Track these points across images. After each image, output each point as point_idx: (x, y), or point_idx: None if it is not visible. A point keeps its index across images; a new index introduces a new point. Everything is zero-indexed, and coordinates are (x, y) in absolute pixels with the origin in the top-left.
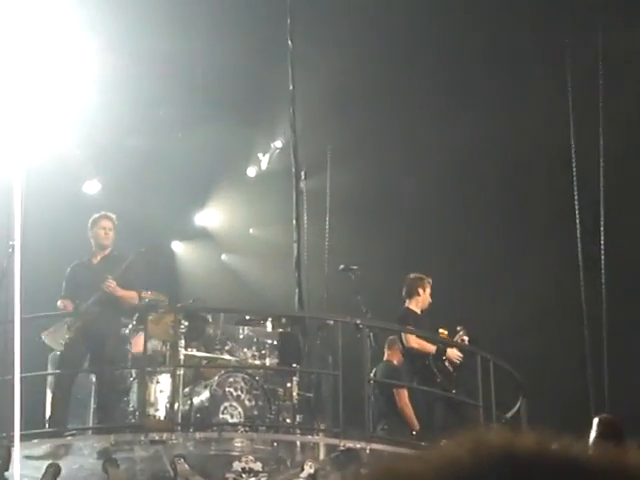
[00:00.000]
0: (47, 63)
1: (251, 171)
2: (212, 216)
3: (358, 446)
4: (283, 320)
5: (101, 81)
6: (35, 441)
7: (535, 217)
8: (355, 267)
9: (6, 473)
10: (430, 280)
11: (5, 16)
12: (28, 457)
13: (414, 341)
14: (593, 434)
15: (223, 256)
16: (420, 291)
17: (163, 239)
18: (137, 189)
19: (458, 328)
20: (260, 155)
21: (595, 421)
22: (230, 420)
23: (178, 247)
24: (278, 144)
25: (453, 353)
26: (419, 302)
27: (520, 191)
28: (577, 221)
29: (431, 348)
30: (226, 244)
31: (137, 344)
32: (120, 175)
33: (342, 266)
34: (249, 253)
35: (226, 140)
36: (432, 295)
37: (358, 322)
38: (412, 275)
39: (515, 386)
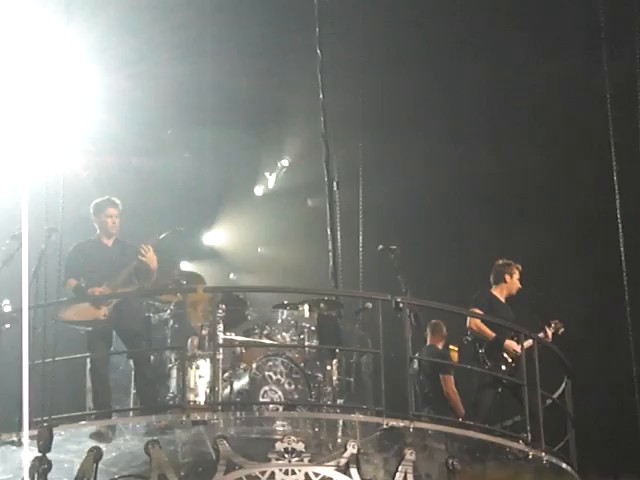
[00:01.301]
0: (54, 86)
1: (258, 190)
2: (220, 236)
3: (402, 425)
4: (322, 305)
5: (108, 102)
6: (82, 423)
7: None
8: (394, 247)
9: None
10: (519, 266)
11: (10, 38)
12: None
13: (474, 323)
14: None
15: (231, 275)
16: (507, 277)
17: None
18: (144, 210)
19: (552, 323)
20: (267, 174)
21: None
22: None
23: (187, 267)
24: (285, 163)
25: (511, 346)
26: (504, 289)
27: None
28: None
29: (489, 333)
30: (234, 263)
31: None
32: (128, 196)
33: (381, 246)
34: (258, 272)
35: (233, 159)
36: (521, 281)
37: (399, 300)
38: (500, 261)
39: (561, 366)
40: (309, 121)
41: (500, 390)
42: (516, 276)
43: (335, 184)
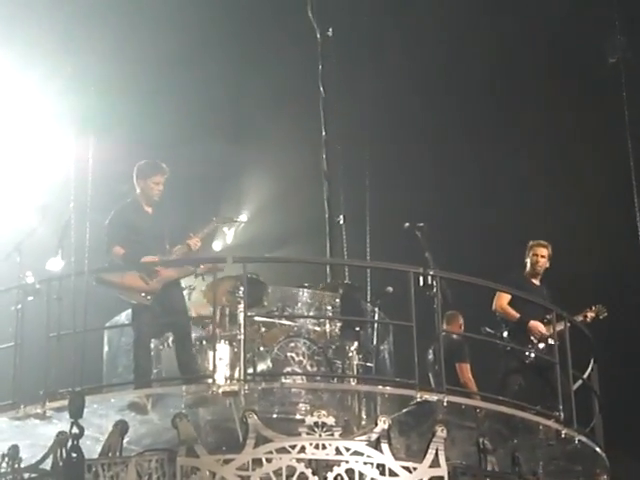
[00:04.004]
0: (10, 140)
1: (217, 245)
2: None
3: (435, 398)
4: (340, 290)
5: (65, 157)
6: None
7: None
8: (422, 224)
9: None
10: (543, 243)
11: None
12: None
13: (498, 304)
14: None
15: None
16: (527, 259)
17: None
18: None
19: (594, 306)
20: (225, 229)
21: None
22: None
23: None
24: (243, 218)
25: (536, 327)
26: (529, 270)
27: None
28: None
29: (514, 315)
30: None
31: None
32: (84, 251)
33: (407, 224)
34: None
35: (191, 215)
36: (544, 256)
37: (431, 273)
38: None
39: (589, 349)
40: (268, 176)
41: (521, 382)
42: (537, 255)
43: (342, 217)
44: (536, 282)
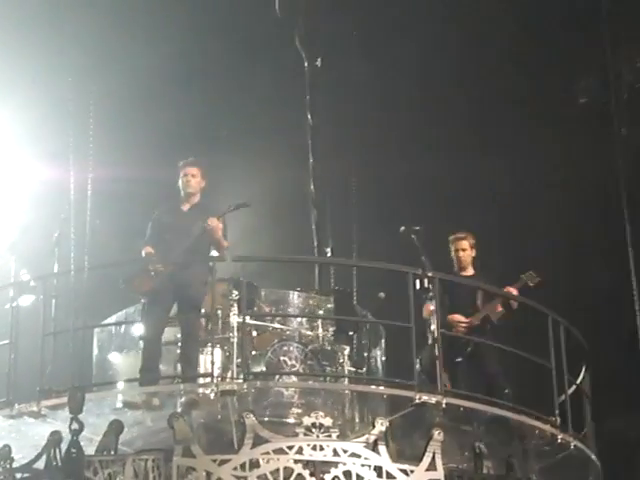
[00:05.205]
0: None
1: None
2: None
3: (434, 400)
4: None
5: (36, 190)
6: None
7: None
8: (418, 228)
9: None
10: (460, 235)
11: None
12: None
13: (426, 311)
14: None
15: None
16: (452, 254)
17: None
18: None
19: (522, 277)
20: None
21: None
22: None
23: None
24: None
25: (452, 320)
26: (456, 264)
27: None
28: None
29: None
30: None
31: None
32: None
33: (403, 227)
34: None
35: None
36: (465, 249)
37: (430, 274)
38: None
39: (580, 353)
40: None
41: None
42: (458, 250)
43: (330, 250)
44: (467, 274)
